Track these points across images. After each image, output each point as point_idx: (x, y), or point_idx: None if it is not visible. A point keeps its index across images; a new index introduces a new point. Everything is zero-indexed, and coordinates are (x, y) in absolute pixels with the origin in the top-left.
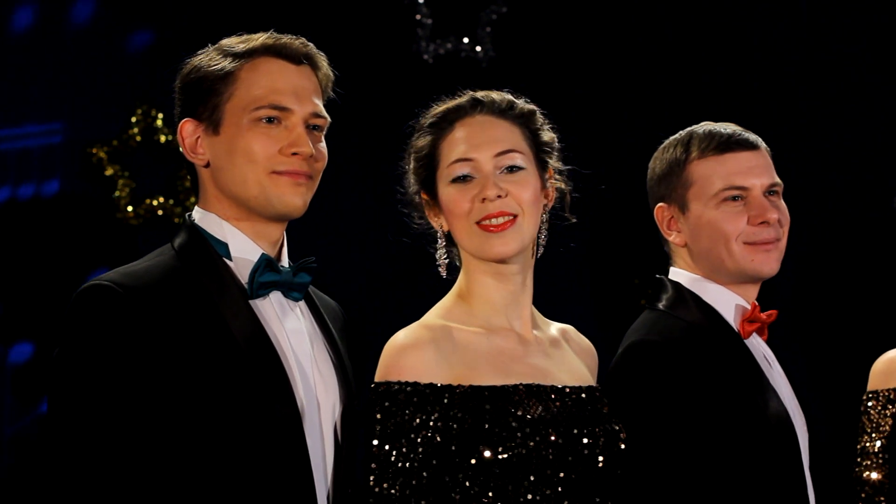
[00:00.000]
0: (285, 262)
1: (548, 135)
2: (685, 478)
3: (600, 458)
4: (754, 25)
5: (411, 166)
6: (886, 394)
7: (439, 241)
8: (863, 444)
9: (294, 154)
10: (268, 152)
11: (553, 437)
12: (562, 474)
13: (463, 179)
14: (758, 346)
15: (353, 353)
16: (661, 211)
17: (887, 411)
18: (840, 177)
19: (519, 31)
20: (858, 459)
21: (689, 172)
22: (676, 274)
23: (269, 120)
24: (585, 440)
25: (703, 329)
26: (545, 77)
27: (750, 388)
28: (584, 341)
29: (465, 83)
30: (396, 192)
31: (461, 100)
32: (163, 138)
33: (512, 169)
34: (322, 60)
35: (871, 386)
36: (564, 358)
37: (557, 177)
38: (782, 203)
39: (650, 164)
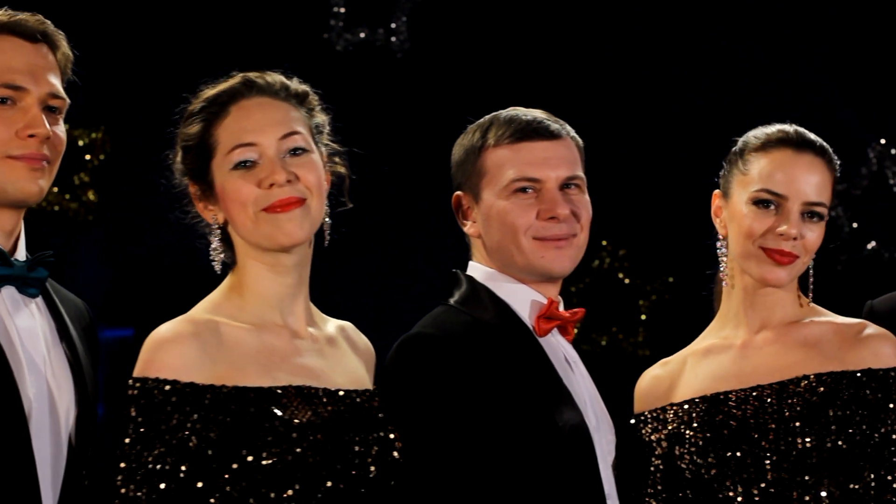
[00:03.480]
0: (21, 254)
1: (321, 116)
2: (456, 488)
3: (372, 468)
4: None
5: (178, 157)
6: (655, 415)
7: (213, 233)
8: (641, 470)
9: (31, 136)
10: (2, 136)
11: (321, 444)
12: (329, 483)
13: (246, 165)
14: (558, 346)
15: (94, 354)
16: (458, 200)
17: (659, 434)
18: None
19: (436, 22)
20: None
21: (483, 160)
22: (473, 268)
23: (3, 101)
24: (357, 448)
25: (492, 326)
26: (463, 69)
27: (540, 393)
28: (362, 339)
29: (380, 74)
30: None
31: (232, 82)
32: None
33: (297, 151)
34: (62, 39)
35: (637, 408)
36: (341, 358)
37: (337, 160)
38: (583, 198)
39: (453, 150)
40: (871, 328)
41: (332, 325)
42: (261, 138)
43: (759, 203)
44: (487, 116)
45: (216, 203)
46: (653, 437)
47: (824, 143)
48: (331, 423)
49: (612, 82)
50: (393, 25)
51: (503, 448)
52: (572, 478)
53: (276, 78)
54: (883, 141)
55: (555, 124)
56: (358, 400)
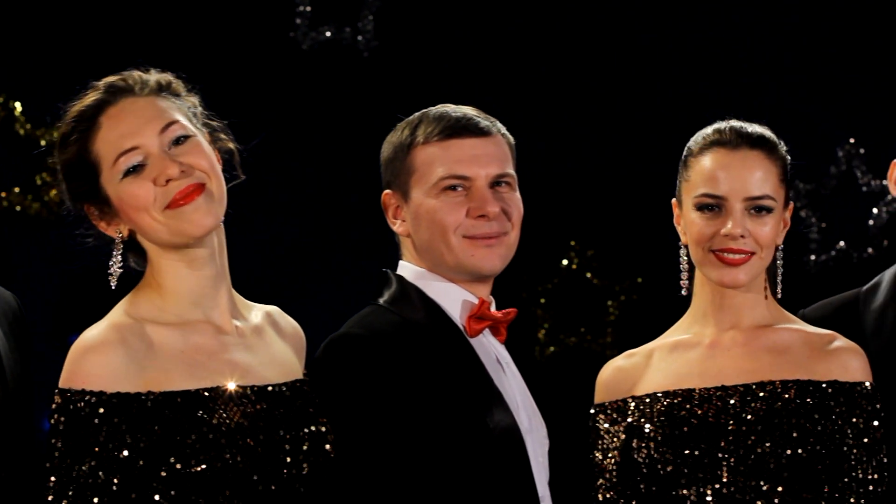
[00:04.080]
0: None
1: (191, 98)
2: (386, 492)
3: (304, 465)
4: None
5: (64, 186)
6: (615, 406)
7: (117, 248)
8: (595, 461)
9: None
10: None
11: (251, 445)
12: (261, 487)
13: (135, 170)
14: (490, 347)
15: (23, 348)
16: (387, 198)
17: (618, 426)
18: None
19: (403, 20)
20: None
21: (412, 158)
22: (402, 267)
23: None
24: (287, 446)
25: (421, 326)
26: (429, 68)
27: (470, 394)
28: (290, 323)
29: (346, 73)
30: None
31: (93, 94)
32: (21, 130)
33: (180, 140)
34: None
35: (597, 398)
36: (269, 348)
37: (222, 136)
38: (514, 196)
39: (382, 147)
40: (842, 341)
41: (258, 312)
42: (140, 139)
43: (703, 208)
44: (417, 113)
45: (116, 217)
46: (611, 429)
47: (765, 134)
48: (260, 422)
49: (580, 82)
50: (360, 24)
51: (433, 450)
52: (504, 480)
53: (135, 76)
54: (852, 140)
55: (485, 121)
56: (288, 393)
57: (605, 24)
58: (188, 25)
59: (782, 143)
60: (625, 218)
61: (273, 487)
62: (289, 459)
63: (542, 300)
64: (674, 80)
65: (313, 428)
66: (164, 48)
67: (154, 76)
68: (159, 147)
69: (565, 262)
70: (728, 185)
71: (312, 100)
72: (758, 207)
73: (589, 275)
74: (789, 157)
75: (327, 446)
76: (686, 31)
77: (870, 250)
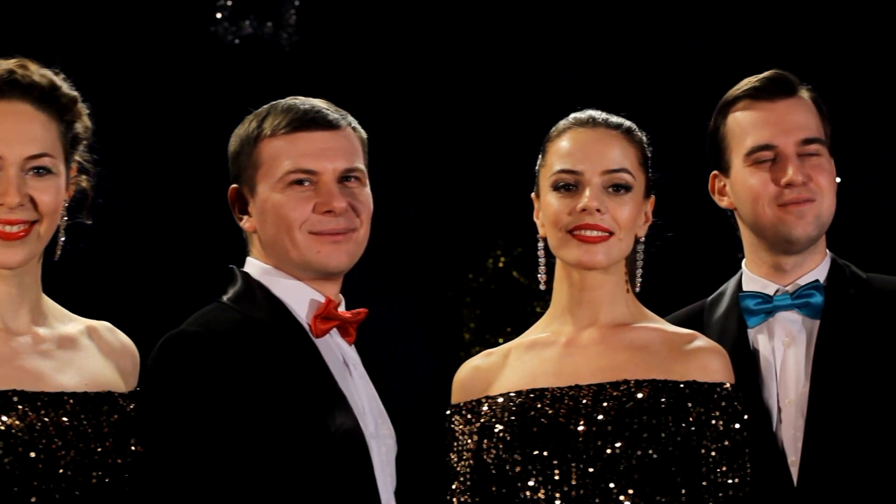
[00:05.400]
0: None
1: (82, 124)
2: (215, 496)
3: (95, 474)
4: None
5: None
6: (470, 406)
7: None
8: (451, 463)
9: None
10: None
11: (32, 455)
12: (35, 497)
13: None
14: (336, 348)
15: None
16: (233, 193)
17: (472, 426)
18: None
19: (326, 15)
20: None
21: (258, 151)
22: (249, 264)
23: None
24: (80, 457)
25: (263, 325)
26: (352, 64)
27: (312, 396)
28: (120, 340)
29: (267, 69)
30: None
31: None
32: None
33: (40, 171)
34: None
35: (453, 399)
36: (76, 359)
37: (83, 177)
38: (364, 191)
39: (230, 140)
40: (702, 340)
41: (77, 325)
42: (5, 150)
43: (559, 187)
44: (265, 106)
45: None
46: (465, 430)
47: (625, 122)
48: (44, 430)
49: (507, 78)
50: (282, 19)
51: (267, 455)
52: (346, 485)
53: (45, 77)
54: None
55: (334, 114)
56: (88, 404)
57: (535, 21)
58: (105, 18)
59: (643, 133)
60: None
61: (57, 496)
62: (69, 472)
63: (468, 299)
64: (604, 80)
65: (114, 438)
66: (79, 42)
67: (64, 89)
68: (17, 169)
69: (492, 260)
70: (585, 159)
71: (233, 96)
72: (616, 185)
73: (516, 273)
74: (650, 149)
75: (129, 459)
76: (617, 32)
77: None
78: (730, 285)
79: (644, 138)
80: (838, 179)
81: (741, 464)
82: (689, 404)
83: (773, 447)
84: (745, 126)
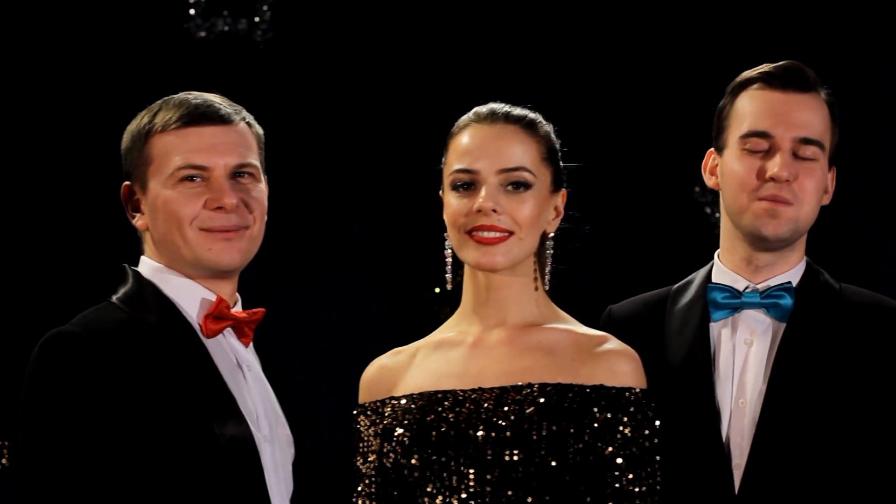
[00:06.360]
0: None
1: None
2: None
3: None
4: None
5: None
6: (375, 407)
7: None
8: (356, 465)
9: None
10: None
11: None
12: None
13: None
14: (229, 349)
15: None
16: (126, 190)
17: (376, 428)
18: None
19: (301, 12)
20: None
21: (149, 147)
22: (142, 262)
23: None
24: None
25: (149, 325)
26: (327, 61)
27: (198, 400)
28: None
29: (241, 66)
30: None
31: None
32: None
33: None
34: None
35: (360, 398)
36: None
37: None
38: (257, 187)
39: (123, 136)
40: (612, 343)
41: None
42: None
43: (457, 186)
44: (158, 101)
45: None
46: (370, 431)
47: (528, 115)
48: None
49: (485, 75)
50: (256, 16)
51: (148, 462)
52: (234, 491)
53: None
54: None
55: (227, 109)
56: None
57: (512, 20)
58: (76, 15)
59: (548, 125)
60: None
61: None
62: None
63: (447, 300)
64: (559, 78)
65: None
66: (50, 39)
67: None
68: None
69: None
70: (482, 157)
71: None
72: (515, 183)
73: None
74: (557, 141)
75: (3, 461)
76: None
77: None
78: (699, 275)
79: (550, 130)
80: (829, 197)
81: (650, 472)
82: (596, 409)
83: (717, 449)
84: (748, 109)
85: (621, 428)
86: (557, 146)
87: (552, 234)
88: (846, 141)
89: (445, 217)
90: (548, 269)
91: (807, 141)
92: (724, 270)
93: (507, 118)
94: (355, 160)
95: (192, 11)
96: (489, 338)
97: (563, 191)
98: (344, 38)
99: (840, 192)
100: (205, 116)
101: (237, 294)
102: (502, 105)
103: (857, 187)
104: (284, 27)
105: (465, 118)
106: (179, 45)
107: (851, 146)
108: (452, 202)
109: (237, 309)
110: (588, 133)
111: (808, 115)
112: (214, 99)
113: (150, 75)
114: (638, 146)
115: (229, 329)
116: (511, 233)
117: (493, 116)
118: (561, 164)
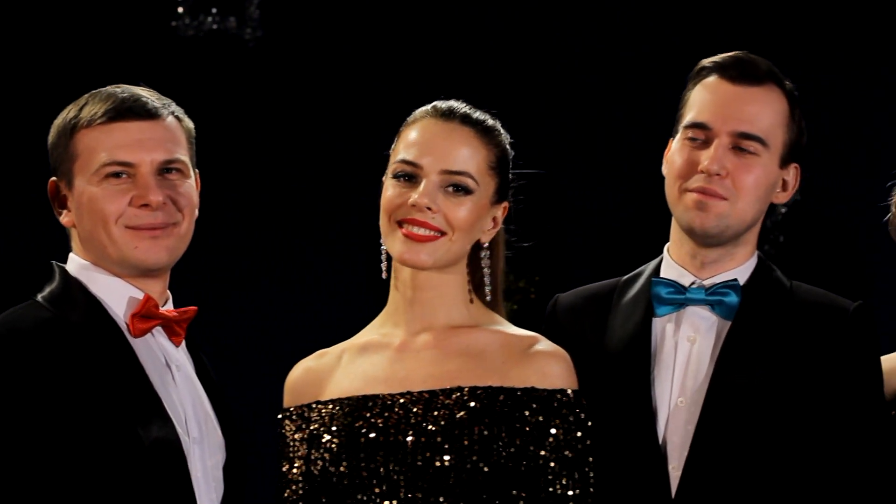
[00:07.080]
0: None
1: None
2: None
3: None
4: None
5: None
6: (300, 412)
7: None
8: (282, 471)
9: None
10: None
11: None
12: None
13: None
14: (158, 349)
15: None
16: (53, 186)
17: (302, 433)
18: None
19: (289, 10)
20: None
21: (75, 143)
22: (70, 260)
23: None
24: None
25: (72, 325)
26: (316, 59)
27: (121, 402)
28: None
29: (230, 65)
30: None
31: None
32: None
33: None
34: None
35: (285, 402)
36: None
37: None
38: (186, 183)
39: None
40: (543, 344)
41: None
42: None
43: (399, 176)
44: (86, 95)
45: None
46: (296, 436)
47: (484, 118)
48: None
49: (474, 74)
50: (245, 14)
51: (68, 465)
52: (158, 496)
53: None
54: None
55: (155, 102)
56: None
57: (503, 21)
58: (64, 14)
59: (505, 134)
60: (522, 215)
61: None
62: None
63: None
64: (544, 78)
65: None
66: (40, 38)
67: None
68: None
69: None
70: (429, 153)
71: (195, 92)
72: (455, 185)
73: None
74: (511, 151)
75: None
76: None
77: (766, 247)
78: (648, 268)
79: (506, 140)
80: (786, 196)
81: (583, 474)
82: (527, 412)
83: (653, 450)
84: (697, 99)
85: (553, 430)
86: (510, 157)
87: (486, 244)
88: (846, 141)
89: (381, 203)
90: (487, 279)
91: (745, 136)
92: (671, 264)
93: (464, 119)
94: (344, 157)
95: (180, 9)
96: (416, 341)
97: (506, 203)
98: (333, 35)
99: (840, 191)
100: (131, 111)
101: (168, 292)
102: (463, 105)
103: (857, 187)
104: (273, 25)
105: (422, 110)
106: (168, 43)
107: (851, 146)
108: (390, 190)
109: (168, 307)
110: (588, 133)
111: (753, 108)
112: (142, 93)
113: (138, 73)
114: (635, 146)
115: (159, 328)
116: (443, 233)
117: (449, 114)
118: (510, 175)
